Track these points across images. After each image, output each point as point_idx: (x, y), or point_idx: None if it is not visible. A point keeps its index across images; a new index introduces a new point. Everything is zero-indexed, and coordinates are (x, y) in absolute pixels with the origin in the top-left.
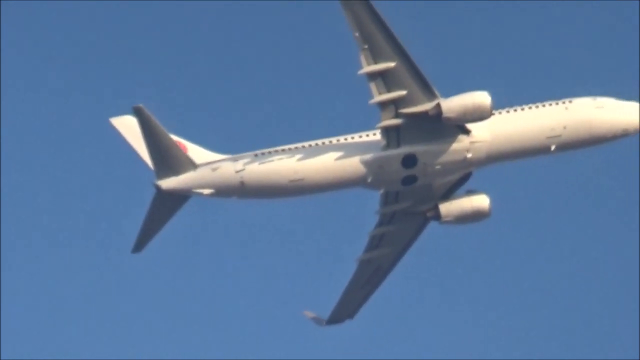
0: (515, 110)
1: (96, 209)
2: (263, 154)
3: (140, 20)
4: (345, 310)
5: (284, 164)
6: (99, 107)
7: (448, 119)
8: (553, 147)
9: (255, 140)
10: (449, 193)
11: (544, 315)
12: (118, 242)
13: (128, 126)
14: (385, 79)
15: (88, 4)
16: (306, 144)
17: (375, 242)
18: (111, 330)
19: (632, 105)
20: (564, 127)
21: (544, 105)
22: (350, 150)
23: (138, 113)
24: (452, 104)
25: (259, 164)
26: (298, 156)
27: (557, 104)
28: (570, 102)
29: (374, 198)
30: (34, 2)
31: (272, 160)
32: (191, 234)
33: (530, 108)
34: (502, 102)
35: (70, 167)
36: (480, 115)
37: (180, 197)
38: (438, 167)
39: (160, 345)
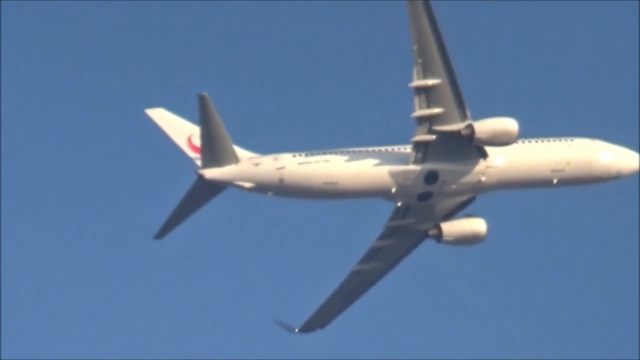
0: (523, 142)
1: (131, 197)
2: (301, 155)
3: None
4: (320, 319)
5: (321, 167)
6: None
7: (479, 140)
8: (555, 181)
9: (294, 143)
10: (450, 215)
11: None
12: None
13: (162, 117)
14: (428, 94)
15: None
16: (345, 150)
17: (371, 254)
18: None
19: (624, 150)
20: (568, 163)
21: (548, 140)
22: (383, 160)
23: (202, 101)
24: (484, 127)
25: (299, 163)
26: (335, 161)
27: (560, 140)
28: (572, 140)
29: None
30: (34, 2)
31: (310, 162)
32: (205, 225)
33: (537, 141)
34: None
35: (105, 158)
36: (506, 140)
37: (217, 187)
38: (454, 186)
39: (148, 342)
